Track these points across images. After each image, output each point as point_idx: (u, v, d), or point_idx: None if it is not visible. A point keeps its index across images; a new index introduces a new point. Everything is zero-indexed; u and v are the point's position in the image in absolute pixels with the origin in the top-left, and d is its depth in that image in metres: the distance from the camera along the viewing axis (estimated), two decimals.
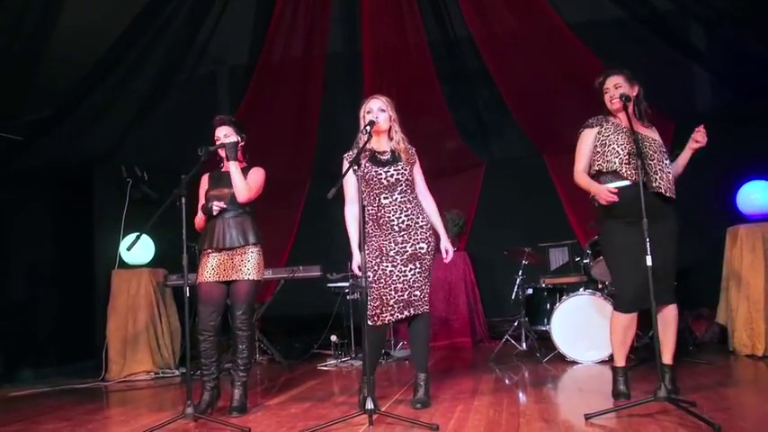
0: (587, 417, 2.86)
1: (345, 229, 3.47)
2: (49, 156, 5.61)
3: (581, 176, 3.42)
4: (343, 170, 3.38)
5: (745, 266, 4.71)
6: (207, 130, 3.75)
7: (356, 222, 3.28)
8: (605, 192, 3.24)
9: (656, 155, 3.30)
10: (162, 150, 5.89)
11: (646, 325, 4.39)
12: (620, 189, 3.26)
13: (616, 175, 3.28)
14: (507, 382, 4.24)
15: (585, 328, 4.73)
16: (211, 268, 3.55)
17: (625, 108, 3.20)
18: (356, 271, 3.35)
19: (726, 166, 5.33)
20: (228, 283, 3.59)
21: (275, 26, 5.95)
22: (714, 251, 5.05)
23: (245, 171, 3.65)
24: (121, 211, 5.80)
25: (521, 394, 3.74)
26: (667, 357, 3.34)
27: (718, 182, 5.32)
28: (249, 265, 3.55)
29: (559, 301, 5.02)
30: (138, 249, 5.14)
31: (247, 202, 3.58)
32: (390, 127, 3.48)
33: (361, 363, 3.99)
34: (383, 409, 3.20)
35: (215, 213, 3.55)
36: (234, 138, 3.62)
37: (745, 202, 4.96)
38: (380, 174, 3.39)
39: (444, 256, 3.54)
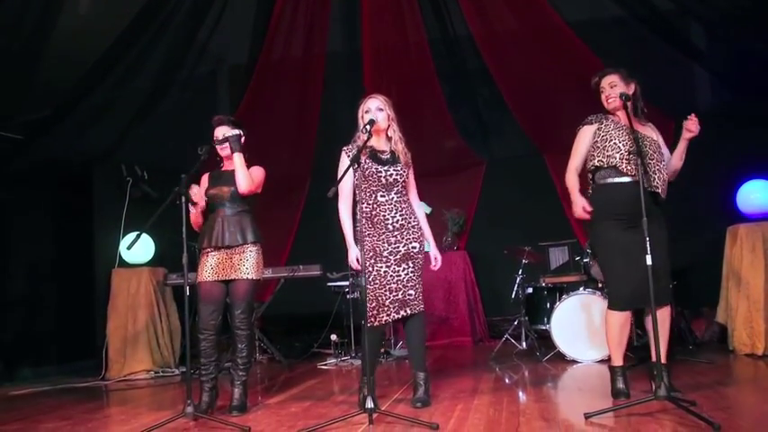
0: (587, 416, 2.85)
1: None
2: (49, 155, 5.61)
3: (570, 177, 3.46)
4: (341, 162, 3.41)
5: (745, 266, 4.71)
6: (207, 130, 3.76)
7: (350, 219, 3.35)
8: (580, 207, 3.31)
9: (655, 154, 3.31)
10: (162, 149, 5.88)
11: (643, 324, 4.39)
12: (619, 186, 3.27)
13: (616, 170, 3.28)
14: (507, 381, 4.24)
15: (585, 327, 4.74)
16: (211, 267, 3.55)
17: (625, 107, 3.20)
18: (353, 264, 3.35)
19: (726, 165, 5.33)
20: (228, 282, 3.59)
21: (275, 25, 5.95)
22: (714, 250, 5.05)
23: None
24: (121, 210, 5.79)
25: (521, 393, 3.74)
26: (661, 357, 3.34)
27: (718, 181, 5.32)
28: (248, 265, 3.55)
29: (559, 300, 5.02)
30: (138, 248, 5.15)
31: (248, 194, 3.58)
32: (389, 126, 3.48)
33: (360, 362, 3.99)
34: (383, 408, 3.20)
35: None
36: (233, 130, 3.62)
37: (745, 202, 4.96)
38: (380, 172, 3.39)
39: (433, 263, 3.54)
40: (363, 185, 3.37)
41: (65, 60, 4.93)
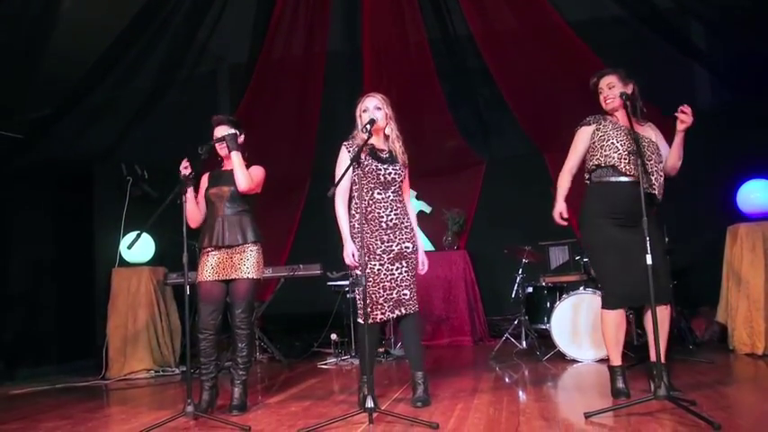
0: (587, 415, 2.86)
1: None
2: (49, 154, 5.60)
3: (563, 178, 3.51)
4: (340, 157, 3.42)
5: (746, 265, 4.71)
6: (207, 129, 3.76)
7: (347, 214, 3.39)
8: (558, 213, 3.40)
9: (653, 156, 3.31)
10: (162, 148, 5.88)
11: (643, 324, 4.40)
12: (616, 185, 3.28)
13: (614, 170, 3.30)
14: (507, 380, 4.24)
15: (585, 326, 4.74)
16: (211, 267, 3.55)
17: (625, 106, 3.21)
18: (347, 258, 3.35)
19: (726, 165, 5.33)
20: (228, 282, 3.59)
21: (275, 24, 5.95)
22: (714, 250, 5.05)
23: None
24: (122, 209, 5.80)
25: (521, 393, 3.74)
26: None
27: (718, 181, 5.32)
28: (248, 264, 3.56)
29: (559, 299, 5.02)
30: (138, 248, 5.14)
31: (248, 192, 3.58)
32: (386, 124, 3.48)
33: (359, 361, 3.98)
34: (383, 408, 3.20)
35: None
36: (232, 130, 3.62)
37: (746, 201, 4.96)
38: (380, 169, 3.40)
39: (420, 268, 3.54)
40: (362, 182, 3.37)
41: (65, 59, 4.93)
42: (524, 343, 5.43)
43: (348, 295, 5.72)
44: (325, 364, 5.45)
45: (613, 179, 3.30)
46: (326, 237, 4.82)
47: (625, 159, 3.25)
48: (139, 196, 5.88)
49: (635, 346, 4.76)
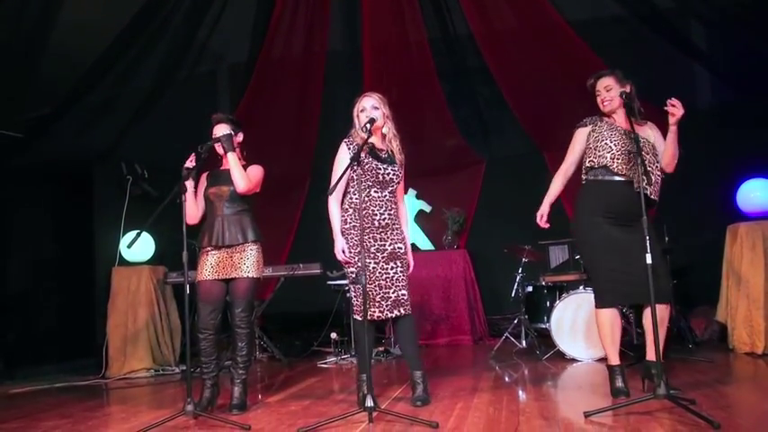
0: (587, 414, 2.86)
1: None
2: (49, 153, 5.60)
3: (556, 179, 3.55)
4: (340, 153, 3.43)
5: (745, 264, 4.71)
6: (207, 128, 3.76)
7: (339, 210, 3.41)
8: (540, 216, 3.51)
9: (648, 156, 3.31)
10: (162, 148, 5.88)
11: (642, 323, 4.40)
12: (609, 184, 3.29)
13: (607, 170, 3.31)
14: (507, 379, 4.24)
15: (585, 325, 4.74)
16: (210, 266, 3.55)
17: (625, 105, 3.21)
18: (338, 254, 3.37)
19: (726, 164, 5.33)
20: (228, 281, 3.59)
21: (275, 24, 5.95)
22: (714, 249, 5.05)
23: (243, 169, 3.64)
24: (121, 208, 5.80)
25: (520, 392, 3.75)
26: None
27: (719, 180, 5.32)
28: (248, 263, 3.56)
29: (559, 298, 5.03)
30: (138, 246, 5.14)
31: (246, 193, 3.58)
32: (384, 123, 3.48)
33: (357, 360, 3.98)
34: (383, 407, 3.21)
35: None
36: (228, 130, 3.62)
37: (746, 200, 4.96)
38: (380, 169, 3.40)
39: (409, 270, 3.55)
40: (360, 179, 3.37)
41: (65, 58, 4.93)
42: (524, 342, 5.43)
43: (348, 294, 5.72)
44: (325, 363, 5.46)
45: (607, 178, 3.31)
46: (326, 236, 4.81)
47: (618, 159, 3.27)
48: (139, 195, 5.88)
49: (635, 346, 4.76)
